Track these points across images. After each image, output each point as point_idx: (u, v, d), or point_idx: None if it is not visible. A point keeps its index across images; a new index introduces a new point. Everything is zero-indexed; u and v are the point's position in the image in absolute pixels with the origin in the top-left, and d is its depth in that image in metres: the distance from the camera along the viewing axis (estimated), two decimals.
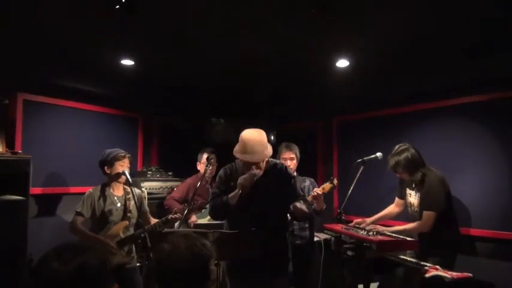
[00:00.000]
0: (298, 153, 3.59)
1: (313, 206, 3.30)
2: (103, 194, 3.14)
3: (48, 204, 3.94)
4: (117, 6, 2.14)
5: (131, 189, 3.06)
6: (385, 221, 3.53)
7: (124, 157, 3.17)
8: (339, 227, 3.19)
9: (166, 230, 3.07)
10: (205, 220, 4.02)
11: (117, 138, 4.40)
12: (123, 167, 3.14)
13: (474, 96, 3.67)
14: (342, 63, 3.31)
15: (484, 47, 2.91)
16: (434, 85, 3.88)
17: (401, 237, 2.88)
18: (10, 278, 2.99)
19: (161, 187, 4.46)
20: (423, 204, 3.07)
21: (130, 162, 3.27)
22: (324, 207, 3.50)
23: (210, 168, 3.81)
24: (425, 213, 3.02)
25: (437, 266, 2.28)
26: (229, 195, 2.48)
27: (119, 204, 3.16)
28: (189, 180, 4.16)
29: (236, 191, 2.46)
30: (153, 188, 4.37)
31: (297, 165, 3.55)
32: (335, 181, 3.36)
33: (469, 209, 3.62)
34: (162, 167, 4.72)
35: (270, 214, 2.53)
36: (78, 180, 4.06)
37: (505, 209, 3.42)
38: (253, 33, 2.78)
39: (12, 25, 2.60)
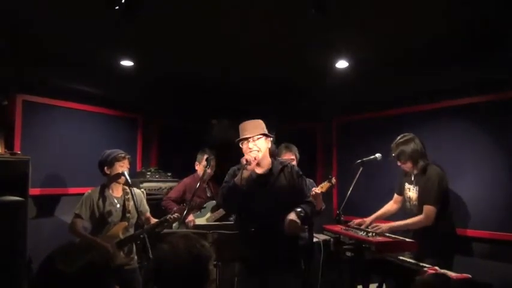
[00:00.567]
0: (297, 154, 3.59)
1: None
2: (102, 195, 3.14)
3: (47, 205, 3.94)
4: (117, 7, 2.14)
5: (130, 189, 3.06)
6: (384, 221, 3.52)
7: (124, 158, 3.17)
8: (338, 227, 3.19)
9: (165, 230, 3.08)
10: (204, 220, 4.03)
11: (116, 139, 4.40)
12: (122, 167, 3.13)
13: (474, 97, 3.67)
14: (342, 64, 3.31)
15: (484, 47, 2.92)
16: (434, 86, 3.88)
17: (400, 238, 2.87)
18: (9, 279, 2.99)
19: (160, 188, 4.46)
20: (423, 198, 3.07)
21: (130, 163, 3.27)
22: (323, 207, 3.50)
23: (209, 169, 3.81)
24: (426, 207, 3.01)
25: (436, 267, 2.28)
26: (235, 179, 2.54)
27: (118, 205, 3.16)
28: (186, 180, 4.16)
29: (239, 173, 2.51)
30: (152, 189, 4.37)
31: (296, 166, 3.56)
32: (333, 180, 3.38)
33: (468, 209, 3.62)
34: (161, 167, 4.72)
35: (278, 214, 2.52)
36: (77, 181, 4.06)
37: (504, 209, 3.42)
38: (253, 33, 2.79)
39: (11, 25, 2.60)
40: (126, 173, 3.08)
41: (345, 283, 3.31)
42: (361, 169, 3.22)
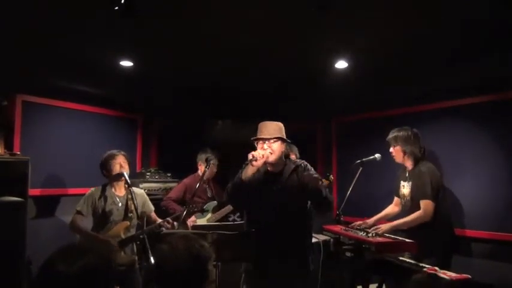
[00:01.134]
0: (297, 154, 3.60)
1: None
2: (104, 194, 3.16)
3: (47, 205, 3.94)
4: (116, 8, 2.14)
5: (130, 190, 3.06)
6: (385, 222, 3.52)
7: (117, 154, 3.19)
8: (338, 228, 3.19)
9: (165, 231, 3.08)
10: (204, 221, 4.02)
11: (116, 139, 4.40)
12: (120, 165, 3.14)
13: (474, 97, 3.67)
14: (341, 64, 3.31)
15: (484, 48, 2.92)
16: (434, 86, 3.89)
17: (400, 238, 2.88)
18: (9, 280, 2.98)
19: (160, 188, 4.46)
20: (418, 193, 3.08)
21: (130, 163, 3.28)
22: None
23: (209, 169, 3.80)
24: (423, 202, 3.02)
25: (436, 268, 2.28)
26: (241, 174, 2.55)
27: (120, 204, 3.17)
28: (186, 180, 4.16)
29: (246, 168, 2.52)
30: (151, 189, 4.36)
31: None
32: (331, 177, 3.38)
33: (468, 210, 3.62)
34: (161, 168, 4.72)
35: (286, 213, 2.52)
36: (77, 182, 4.05)
37: (504, 210, 3.42)
38: (252, 34, 2.79)
39: (11, 26, 2.60)
40: (125, 174, 3.08)
41: (345, 283, 3.31)
42: (360, 169, 3.23)
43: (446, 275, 2.13)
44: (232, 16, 2.50)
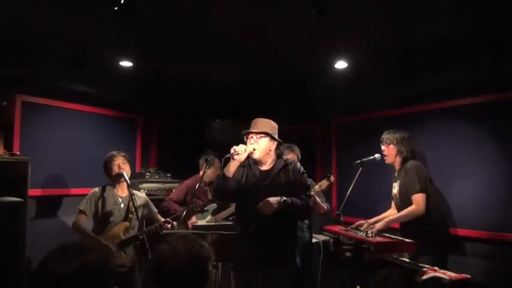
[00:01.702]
0: (299, 155, 3.61)
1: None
2: (106, 194, 3.16)
3: (47, 205, 3.93)
4: (116, 8, 2.14)
5: (130, 192, 3.06)
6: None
7: (115, 155, 3.20)
8: (337, 228, 3.19)
9: (165, 231, 3.07)
10: (204, 221, 4.02)
11: (116, 139, 4.39)
12: (118, 165, 3.15)
13: (474, 97, 3.66)
14: (341, 64, 3.32)
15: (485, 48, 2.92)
16: (434, 86, 3.89)
17: (399, 238, 2.88)
18: (8, 280, 2.98)
19: (159, 189, 4.45)
20: (408, 189, 3.11)
21: (130, 163, 3.28)
22: (328, 208, 3.53)
23: (209, 170, 3.79)
24: (414, 196, 3.05)
25: (436, 267, 2.28)
26: (224, 169, 2.59)
27: (122, 205, 3.17)
28: (188, 181, 4.15)
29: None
30: (151, 190, 4.36)
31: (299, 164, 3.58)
32: (332, 178, 3.40)
33: (468, 210, 3.61)
34: (160, 168, 4.71)
35: (278, 211, 2.52)
36: (76, 182, 4.05)
37: (503, 210, 3.42)
38: (253, 34, 2.79)
39: (11, 26, 2.60)
40: (125, 175, 3.08)
41: (345, 283, 3.31)
42: (360, 169, 3.23)
43: (446, 274, 2.14)
44: (232, 17, 2.51)
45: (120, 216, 3.14)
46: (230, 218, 4.09)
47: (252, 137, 2.61)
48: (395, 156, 3.26)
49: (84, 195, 3.21)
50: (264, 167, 2.69)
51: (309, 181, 3.65)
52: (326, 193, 3.51)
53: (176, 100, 4.72)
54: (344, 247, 2.96)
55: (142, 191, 4.08)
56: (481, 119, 3.61)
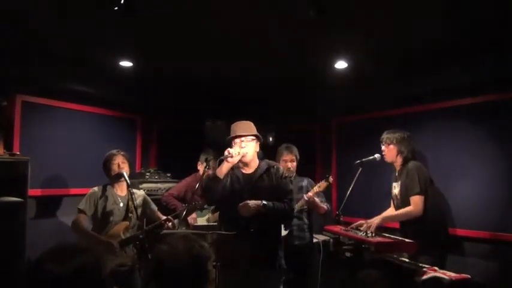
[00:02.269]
0: (298, 155, 3.60)
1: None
2: (105, 194, 3.16)
3: (47, 205, 3.93)
4: (116, 8, 2.14)
5: (129, 191, 3.06)
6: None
7: (115, 155, 3.20)
8: (337, 228, 3.19)
9: (164, 231, 3.07)
10: (204, 221, 4.02)
11: (115, 139, 4.39)
12: (118, 165, 3.15)
13: (474, 97, 3.66)
14: (341, 64, 3.32)
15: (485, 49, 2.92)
16: (434, 86, 3.89)
17: (399, 238, 2.88)
18: (8, 280, 2.98)
19: (159, 188, 4.45)
20: (407, 190, 3.11)
21: (130, 163, 3.28)
22: (328, 208, 3.53)
23: (208, 169, 3.79)
24: (412, 198, 3.06)
25: (436, 267, 2.28)
26: (216, 170, 2.64)
27: (121, 204, 3.17)
28: (188, 179, 4.16)
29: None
30: (151, 190, 4.36)
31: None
32: (330, 179, 3.40)
33: (468, 210, 3.62)
34: (160, 168, 4.71)
35: (257, 213, 2.54)
36: (76, 182, 4.05)
37: (503, 210, 3.42)
38: (253, 34, 2.79)
39: (11, 25, 2.60)
40: (125, 175, 3.08)
41: (345, 283, 3.31)
42: (360, 169, 3.23)
43: (446, 275, 2.14)
44: (232, 17, 2.51)
45: (120, 215, 3.14)
46: None
47: (243, 140, 2.63)
48: (396, 156, 3.26)
49: (84, 195, 3.21)
50: (248, 170, 2.72)
51: (309, 181, 3.68)
52: (326, 193, 3.50)
53: (176, 100, 4.72)
54: (344, 247, 2.96)
55: (142, 191, 4.08)
56: (481, 119, 3.61)
